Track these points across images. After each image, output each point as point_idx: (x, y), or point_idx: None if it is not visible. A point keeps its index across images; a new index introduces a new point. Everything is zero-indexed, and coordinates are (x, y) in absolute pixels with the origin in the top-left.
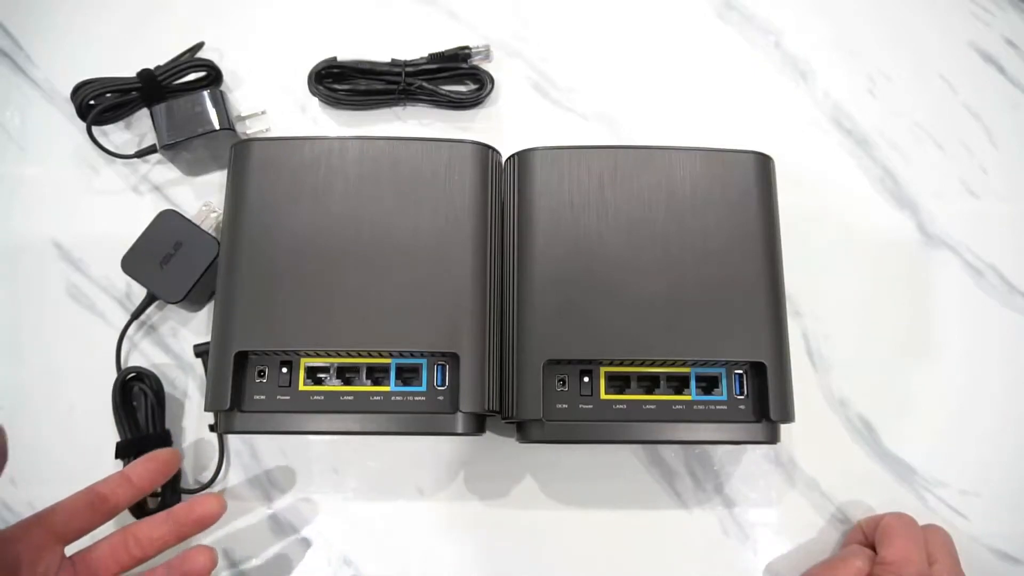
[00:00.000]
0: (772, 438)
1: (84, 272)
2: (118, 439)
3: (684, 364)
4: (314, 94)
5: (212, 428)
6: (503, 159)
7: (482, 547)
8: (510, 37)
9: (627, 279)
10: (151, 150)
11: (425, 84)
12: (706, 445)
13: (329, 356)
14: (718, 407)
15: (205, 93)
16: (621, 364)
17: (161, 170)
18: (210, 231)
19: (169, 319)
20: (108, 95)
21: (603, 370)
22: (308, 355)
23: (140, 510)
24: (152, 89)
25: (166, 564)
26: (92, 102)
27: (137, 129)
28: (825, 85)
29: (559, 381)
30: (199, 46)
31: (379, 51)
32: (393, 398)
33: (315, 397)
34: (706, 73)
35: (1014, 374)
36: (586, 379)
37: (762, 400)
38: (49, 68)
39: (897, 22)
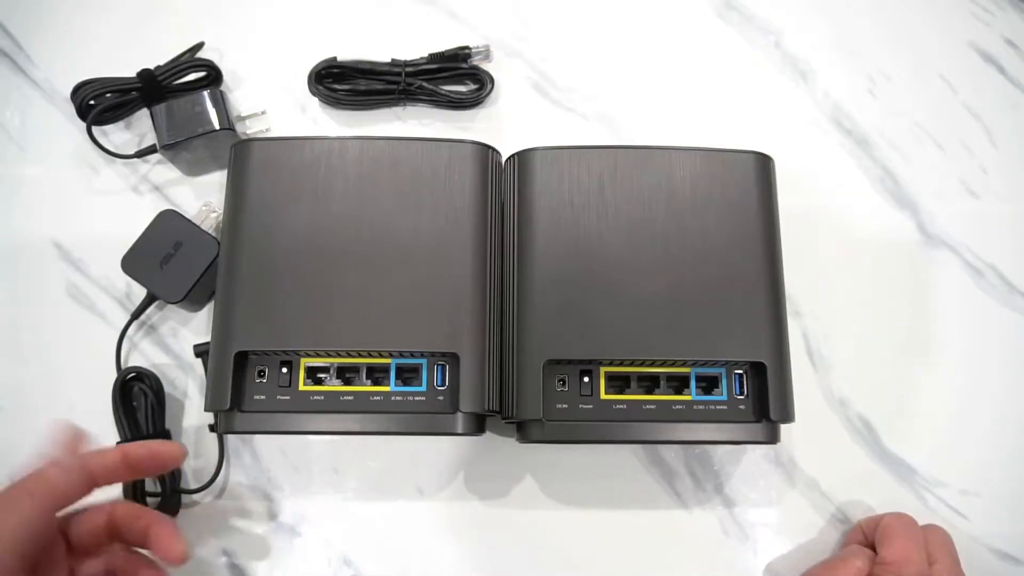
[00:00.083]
0: (772, 438)
1: (84, 272)
2: (118, 439)
3: (684, 364)
4: (314, 94)
5: (212, 428)
6: (503, 159)
7: (482, 547)
8: (510, 37)
9: (627, 279)
10: (151, 150)
11: (425, 84)
12: (706, 445)
13: (329, 356)
14: (718, 407)
15: (205, 93)
16: (621, 364)
17: (161, 170)
18: (210, 231)
19: (169, 319)
20: (108, 95)
21: (603, 370)
22: (308, 355)
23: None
24: (152, 89)
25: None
26: (92, 102)
27: (137, 129)
28: (825, 85)
29: (559, 381)
30: (199, 46)
31: (379, 51)
32: (393, 398)
33: (315, 397)
34: (706, 73)
35: (1014, 374)
36: (586, 379)
37: (762, 400)
38: (49, 68)
39: (897, 22)
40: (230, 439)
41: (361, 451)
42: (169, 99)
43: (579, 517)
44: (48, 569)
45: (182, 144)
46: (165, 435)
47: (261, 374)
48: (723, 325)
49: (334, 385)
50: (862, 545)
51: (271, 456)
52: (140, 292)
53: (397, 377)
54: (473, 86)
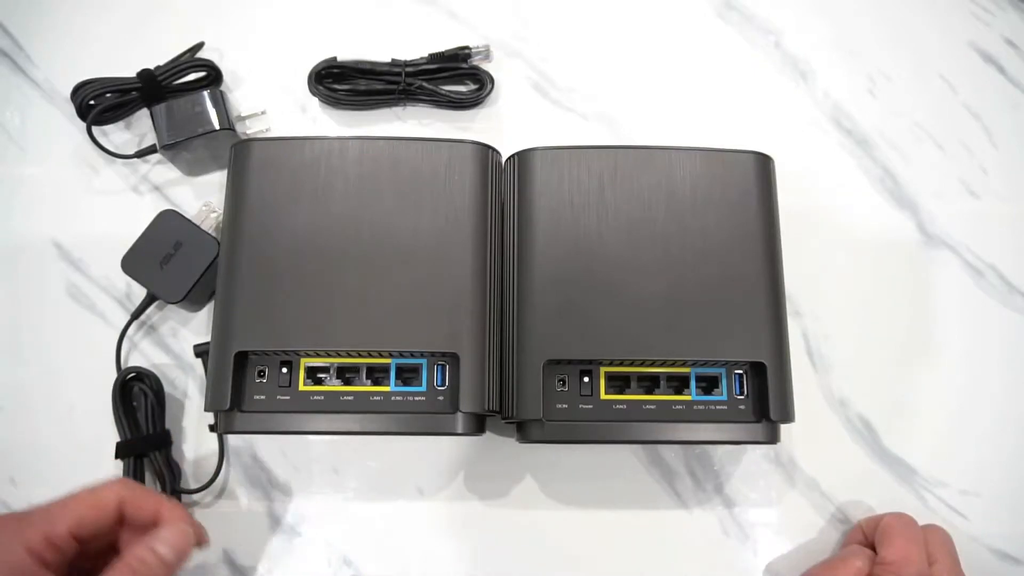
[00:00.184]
0: (772, 438)
1: (84, 272)
2: (118, 439)
3: (684, 364)
4: (314, 94)
5: (212, 428)
6: (503, 159)
7: (482, 547)
8: (510, 37)
9: (627, 279)
10: (151, 150)
11: (425, 84)
12: (706, 445)
13: (329, 356)
14: (718, 407)
15: (205, 93)
16: (621, 364)
17: (161, 170)
18: (210, 231)
19: (169, 319)
20: (108, 95)
21: (603, 370)
22: (308, 355)
23: None
24: (152, 89)
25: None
26: (92, 102)
27: (137, 129)
28: (825, 85)
29: (559, 381)
30: (199, 46)
31: (379, 51)
32: (393, 398)
33: (315, 397)
34: (706, 73)
35: (1014, 374)
36: (586, 379)
37: (762, 400)
38: (49, 68)
39: (897, 22)
40: (230, 439)
41: (361, 451)
42: (169, 99)
43: (579, 517)
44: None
45: (182, 144)
46: (165, 435)
47: (261, 374)
48: (723, 325)
49: (334, 385)
50: (862, 545)
51: (271, 456)
52: (140, 292)
53: (397, 377)
54: (473, 86)
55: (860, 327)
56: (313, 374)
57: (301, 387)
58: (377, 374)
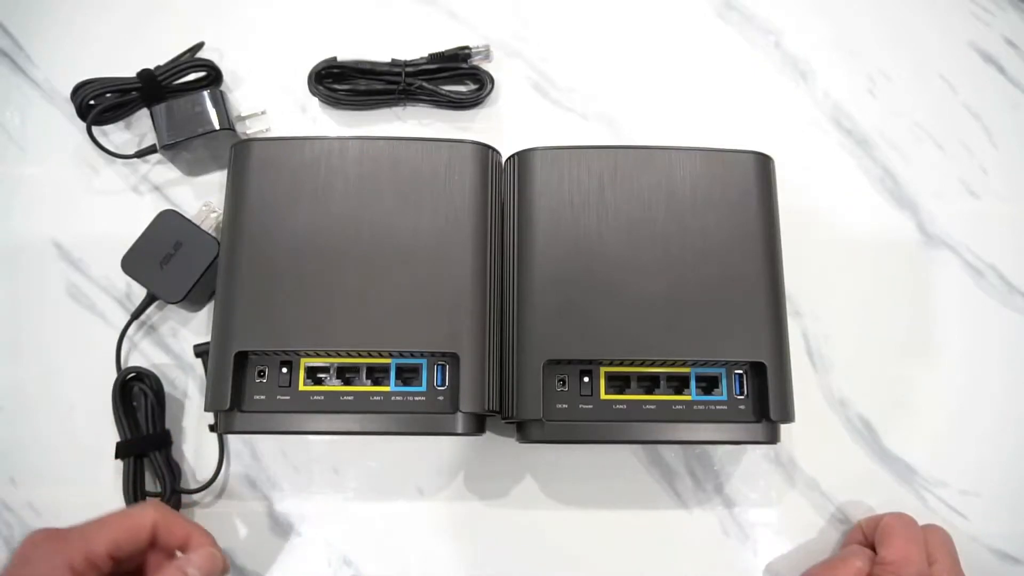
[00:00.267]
0: (772, 438)
1: (84, 272)
2: (118, 439)
3: (684, 364)
4: (314, 94)
5: (212, 428)
6: (503, 159)
7: (482, 547)
8: (510, 37)
9: (627, 279)
10: (151, 150)
11: (425, 84)
12: (706, 445)
13: (329, 356)
14: (718, 407)
15: (205, 93)
16: (621, 364)
17: (161, 170)
18: (210, 231)
19: (169, 319)
20: (108, 95)
21: (603, 370)
22: (308, 355)
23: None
24: (152, 89)
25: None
26: (92, 102)
27: (137, 129)
28: (825, 85)
29: (559, 381)
30: (199, 46)
31: (379, 51)
32: (393, 398)
33: (315, 397)
34: (706, 73)
35: (1014, 374)
36: (586, 379)
37: (762, 400)
38: (49, 68)
39: (897, 22)
40: (230, 439)
41: (361, 451)
42: (169, 99)
43: (579, 517)
44: None
45: (182, 144)
46: (165, 435)
47: (261, 374)
48: (723, 325)
49: (334, 385)
50: (862, 545)
51: (271, 456)
52: (140, 292)
53: (397, 377)
54: (473, 86)
55: (860, 327)
56: (313, 374)
57: (301, 387)
58: (377, 374)
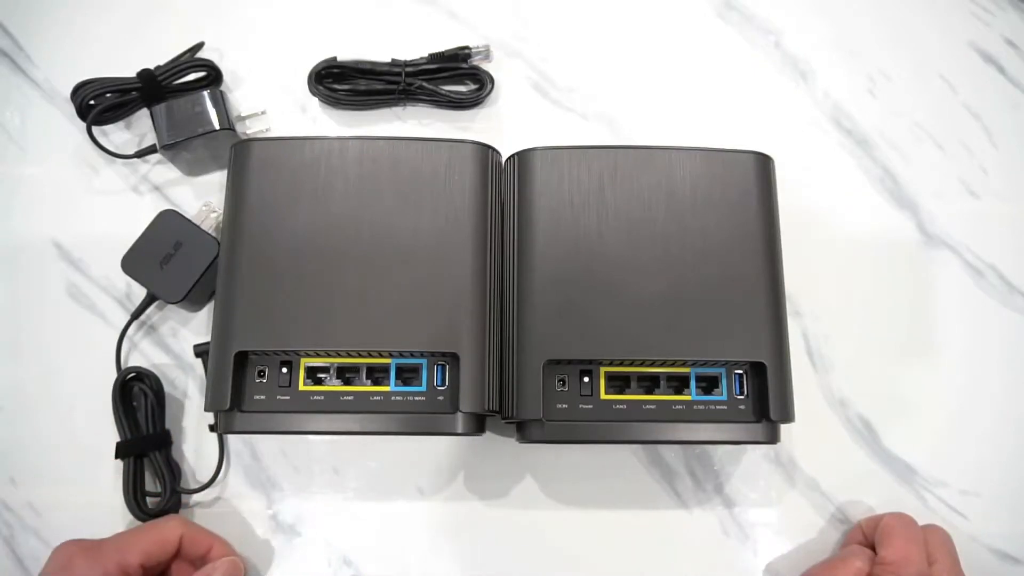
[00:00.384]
0: (772, 438)
1: (84, 272)
2: (118, 439)
3: (684, 364)
4: (314, 94)
5: (212, 428)
6: (503, 159)
7: (482, 547)
8: (510, 37)
9: (627, 279)
10: (151, 150)
11: (425, 84)
12: (706, 445)
13: (329, 356)
14: (718, 407)
15: (205, 93)
16: (621, 364)
17: (161, 170)
18: (210, 231)
19: (169, 319)
20: (108, 95)
21: (603, 370)
22: (308, 355)
23: (140, 511)
24: (152, 89)
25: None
26: (92, 102)
27: (137, 129)
28: (825, 85)
29: (559, 381)
30: (199, 46)
31: (379, 51)
32: (393, 398)
33: (315, 397)
34: (706, 73)
35: (1014, 374)
36: (586, 379)
37: (762, 400)
38: (49, 68)
39: (897, 22)
40: (230, 439)
41: (361, 451)
42: (169, 99)
43: (579, 517)
44: None
45: (182, 144)
46: (165, 435)
47: (261, 374)
48: (723, 325)
49: (334, 385)
50: (862, 545)
51: (271, 456)
52: (140, 292)
53: (397, 377)
54: (473, 86)
55: (860, 327)
56: (313, 374)
57: (301, 387)
58: (377, 374)
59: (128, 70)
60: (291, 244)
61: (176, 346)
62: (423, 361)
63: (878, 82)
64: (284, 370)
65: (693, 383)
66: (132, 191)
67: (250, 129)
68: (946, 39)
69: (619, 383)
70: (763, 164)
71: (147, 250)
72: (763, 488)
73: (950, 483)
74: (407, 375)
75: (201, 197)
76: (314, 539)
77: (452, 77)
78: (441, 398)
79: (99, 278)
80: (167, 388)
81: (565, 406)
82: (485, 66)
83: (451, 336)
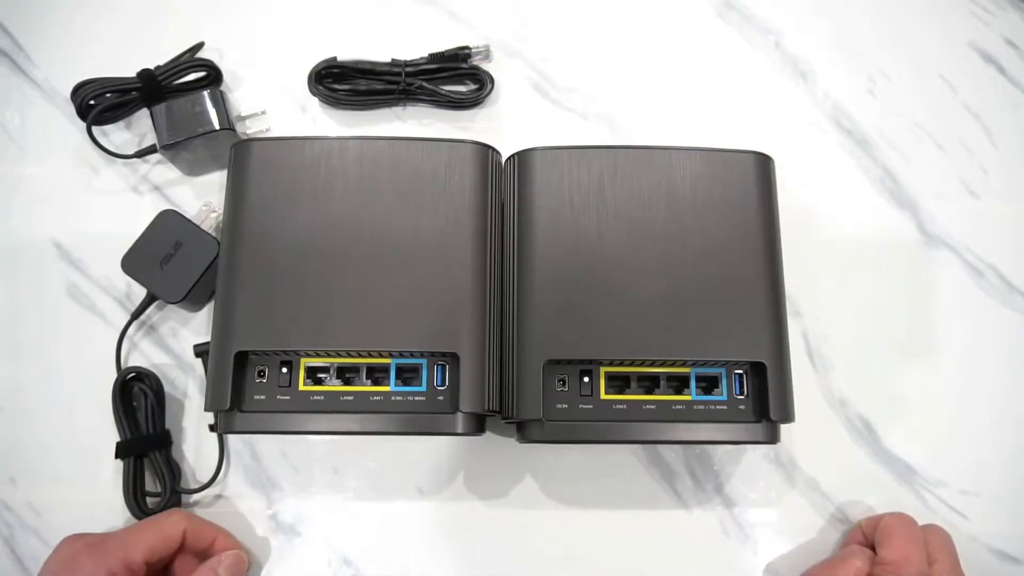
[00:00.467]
0: (772, 438)
1: (84, 272)
2: (118, 439)
3: (684, 364)
4: (314, 94)
5: (212, 428)
6: (503, 159)
7: (482, 547)
8: (510, 37)
9: (627, 279)
10: (151, 150)
11: (425, 84)
12: (706, 445)
13: (329, 356)
14: (718, 407)
15: (205, 93)
16: (621, 364)
17: (161, 170)
18: (210, 231)
19: (169, 319)
20: (108, 95)
21: (603, 370)
22: (308, 355)
23: (140, 511)
24: (152, 89)
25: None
26: (92, 102)
27: (137, 129)
28: (825, 85)
29: (559, 381)
30: (199, 46)
31: (379, 51)
32: (393, 398)
33: (315, 397)
34: (706, 73)
35: (1014, 374)
36: (586, 379)
37: (762, 400)
38: (49, 68)
39: (897, 22)
40: (230, 439)
41: (361, 451)
42: (169, 99)
43: (579, 517)
44: None
45: (182, 144)
46: (165, 435)
47: (261, 374)
48: (723, 325)
49: (334, 385)
50: (862, 545)
51: (271, 456)
52: (140, 292)
53: (397, 377)
54: (473, 86)
55: (860, 327)
56: (313, 374)
57: (301, 387)
58: (377, 374)
59: (128, 70)
60: (291, 244)
61: (176, 346)
62: (423, 361)
63: (878, 82)
64: (284, 370)
65: (693, 383)
66: (132, 191)
67: (250, 129)
68: (946, 39)
69: (619, 383)
70: (763, 164)
71: (147, 250)
72: (763, 488)
73: (950, 483)
74: (407, 375)
75: (201, 197)
76: (314, 539)
77: (452, 77)
78: (441, 398)
79: (99, 278)
80: (167, 388)
81: (565, 406)
82: (485, 66)
83: (451, 336)
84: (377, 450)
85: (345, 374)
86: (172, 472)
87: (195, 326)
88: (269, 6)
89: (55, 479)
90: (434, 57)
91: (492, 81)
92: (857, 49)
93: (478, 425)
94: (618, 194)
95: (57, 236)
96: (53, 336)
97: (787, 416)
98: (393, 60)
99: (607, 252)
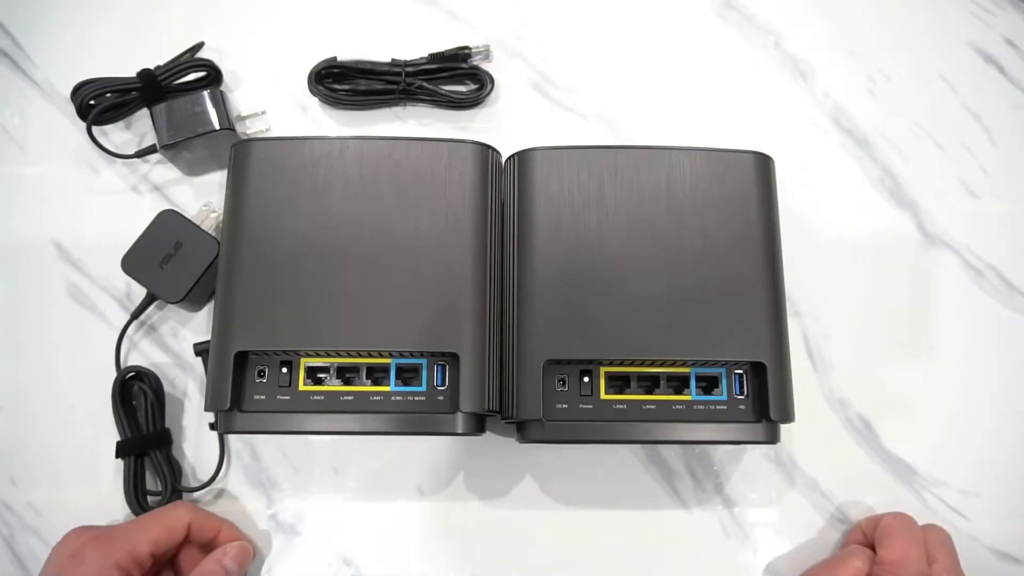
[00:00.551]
0: (772, 438)
1: (84, 272)
2: (118, 439)
3: (684, 364)
4: (314, 94)
5: (212, 428)
6: (503, 159)
7: (482, 547)
8: (510, 37)
9: (627, 279)
10: (151, 150)
11: (425, 84)
12: (706, 445)
13: (329, 356)
14: (718, 407)
15: (205, 93)
16: (621, 364)
17: (161, 170)
18: (210, 231)
19: (169, 319)
20: (108, 95)
21: (603, 370)
22: (308, 355)
23: (141, 509)
24: (152, 89)
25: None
26: (92, 102)
27: (137, 129)
28: (825, 85)
29: (559, 381)
30: (199, 46)
31: (379, 51)
32: (393, 398)
33: (315, 397)
34: (706, 73)
35: (1014, 374)
36: (586, 379)
37: (762, 400)
38: (49, 68)
39: (897, 22)
40: (230, 439)
41: (361, 451)
42: (169, 99)
43: (579, 517)
44: None
45: (182, 144)
46: (165, 435)
47: (261, 374)
48: (723, 325)
49: (334, 385)
50: (862, 545)
51: (271, 456)
52: (140, 292)
53: (397, 377)
54: (473, 86)
55: (860, 327)
56: (313, 374)
57: (301, 387)
58: (377, 374)
59: (128, 70)
60: (291, 244)
61: (176, 346)
62: (423, 361)
63: (878, 82)
64: (284, 370)
65: (693, 383)
66: (132, 191)
67: (250, 129)
68: (946, 39)
69: (619, 383)
70: (763, 164)
71: (147, 250)
72: (763, 488)
73: (950, 483)
74: (407, 375)
75: (201, 197)
76: (314, 539)
77: (452, 77)
78: (441, 398)
79: (99, 278)
80: (167, 387)
81: (565, 406)
82: (485, 66)
83: (451, 336)
84: (377, 450)
85: (345, 374)
86: (173, 471)
87: (195, 326)
88: (269, 6)
89: (55, 479)
90: (434, 57)
91: (492, 81)
92: (857, 49)
93: (478, 425)
94: (618, 194)
95: (57, 236)
96: (53, 336)
97: (787, 416)
98: (393, 60)
99: (607, 252)
